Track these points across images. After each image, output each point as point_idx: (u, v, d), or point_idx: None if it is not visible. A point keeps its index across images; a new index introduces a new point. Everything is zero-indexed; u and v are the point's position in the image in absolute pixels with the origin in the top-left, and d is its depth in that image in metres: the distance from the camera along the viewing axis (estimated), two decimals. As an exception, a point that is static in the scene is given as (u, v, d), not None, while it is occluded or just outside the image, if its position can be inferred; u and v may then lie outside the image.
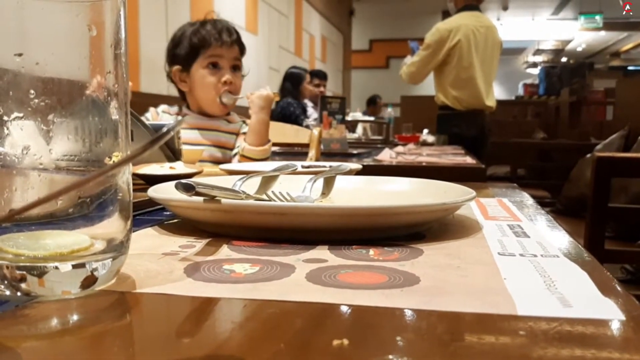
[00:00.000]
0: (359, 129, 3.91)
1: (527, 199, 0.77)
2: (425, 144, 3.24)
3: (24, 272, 0.31)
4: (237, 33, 1.60)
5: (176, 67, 1.57)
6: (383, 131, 3.38)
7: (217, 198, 0.45)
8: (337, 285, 0.34)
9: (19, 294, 0.31)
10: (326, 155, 1.92)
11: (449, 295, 0.32)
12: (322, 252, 0.42)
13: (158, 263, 0.39)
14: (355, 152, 2.15)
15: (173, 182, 0.56)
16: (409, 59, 3.52)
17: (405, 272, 0.37)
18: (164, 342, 0.26)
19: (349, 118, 3.56)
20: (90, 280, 0.32)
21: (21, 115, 0.32)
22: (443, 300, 0.32)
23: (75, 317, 0.30)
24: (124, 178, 0.35)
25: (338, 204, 0.64)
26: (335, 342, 0.25)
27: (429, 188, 0.64)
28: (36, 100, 0.32)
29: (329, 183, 0.71)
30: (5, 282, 0.31)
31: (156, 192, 0.51)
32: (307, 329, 0.27)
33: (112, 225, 0.34)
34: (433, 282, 0.35)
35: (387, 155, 1.98)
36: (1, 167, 0.32)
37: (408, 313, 0.30)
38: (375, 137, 3.60)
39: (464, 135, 3.23)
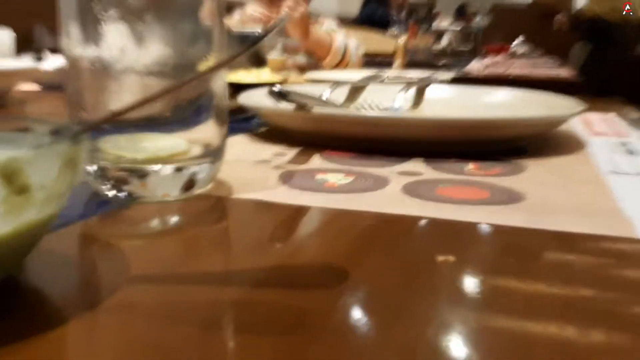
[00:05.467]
0: (445, 38, 3.73)
1: (636, 114, 0.71)
2: (516, 55, 3.06)
3: (127, 174, 0.31)
4: None
5: None
6: (471, 41, 3.21)
7: (308, 107, 0.44)
8: (436, 199, 0.32)
9: (121, 194, 0.32)
10: (410, 66, 1.85)
11: (557, 215, 0.30)
12: (416, 165, 0.41)
13: (252, 170, 0.39)
14: (441, 63, 2.06)
15: (263, 90, 0.56)
16: None
17: (508, 188, 0.35)
18: (261, 248, 0.26)
19: (435, 27, 3.39)
20: (189, 184, 0.32)
21: (116, 15, 0.31)
22: (551, 218, 0.29)
23: (175, 219, 0.31)
24: (219, 83, 0.34)
25: (431, 115, 0.61)
26: (440, 258, 0.24)
27: (531, 99, 0.60)
28: (130, 0, 0.31)
29: (420, 94, 0.68)
30: (109, 182, 0.31)
31: (247, 99, 0.51)
32: (408, 242, 0.26)
33: (209, 131, 0.34)
34: (538, 199, 0.33)
35: (475, 67, 1.88)
36: (99, 68, 0.32)
37: (514, 231, 0.28)
38: (462, 48, 3.43)
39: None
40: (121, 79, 0.33)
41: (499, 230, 0.28)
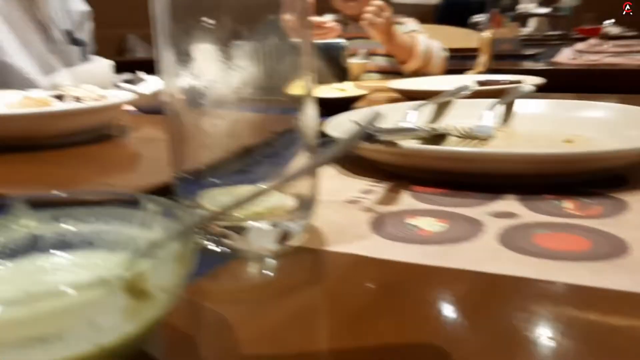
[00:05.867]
0: (532, 23, 3.56)
1: None
2: (608, 37, 2.88)
3: (227, 229, 0.33)
4: None
5: None
6: (560, 25, 3.05)
7: (397, 141, 0.44)
8: (534, 253, 0.31)
9: (223, 249, 0.33)
10: (496, 57, 1.78)
11: (668, 273, 0.29)
12: (510, 204, 0.40)
13: (343, 213, 0.39)
14: (528, 52, 1.98)
15: (348, 116, 0.56)
16: None
17: (610, 235, 0.34)
18: (359, 319, 0.27)
19: (519, 10, 3.25)
20: (285, 237, 0.33)
21: (203, 39, 0.31)
22: (661, 279, 0.28)
23: (275, 274, 0.32)
24: (310, 126, 0.34)
25: (522, 136, 0.59)
26: (539, 336, 0.24)
27: (629, 116, 0.57)
28: (217, 23, 0.31)
29: (508, 108, 0.66)
30: (212, 237, 0.33)
31: (334, 129, 0.51)
32: (506, 311, 0.26)
33: (300, 179, 0.34)
34: (645, 251, 0.31)
35: (565, 56, 1.79)
36: (190, 104, 0.33)
37: (619, 297, 0.27)
38: (551, 33, 3.27)
39: None
40: (211, 115, 0.33)
41: (603, 296, 0.27)
